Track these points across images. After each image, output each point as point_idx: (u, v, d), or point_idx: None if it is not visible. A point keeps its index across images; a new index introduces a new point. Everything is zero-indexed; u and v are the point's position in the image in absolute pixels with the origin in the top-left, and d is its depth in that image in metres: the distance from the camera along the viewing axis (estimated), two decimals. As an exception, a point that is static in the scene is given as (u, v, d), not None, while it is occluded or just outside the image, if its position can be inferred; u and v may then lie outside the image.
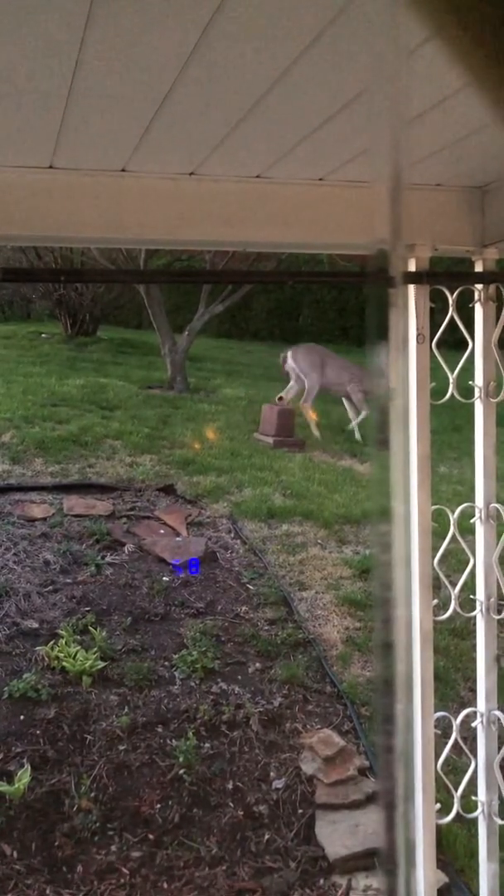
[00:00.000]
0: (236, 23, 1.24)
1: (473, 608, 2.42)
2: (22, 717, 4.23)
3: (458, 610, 2.42)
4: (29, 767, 3.88)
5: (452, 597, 2.39)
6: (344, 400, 10.47)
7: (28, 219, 1.92)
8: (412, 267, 2.20)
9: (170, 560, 5.85)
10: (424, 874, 2.30)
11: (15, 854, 3.55)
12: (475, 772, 2.46)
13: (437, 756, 2.31)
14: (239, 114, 1.59)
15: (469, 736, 2.52)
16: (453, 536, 2.42)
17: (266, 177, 2.01)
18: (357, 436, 9.92)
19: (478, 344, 2.37)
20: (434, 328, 2.25)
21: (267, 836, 3.75)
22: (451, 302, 2.32)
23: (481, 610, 2.41)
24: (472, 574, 2.43)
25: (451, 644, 5.08)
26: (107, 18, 1.21)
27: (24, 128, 1.66)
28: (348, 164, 1.93)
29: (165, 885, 3.47)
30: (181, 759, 4.03)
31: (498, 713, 2.41)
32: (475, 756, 2.47)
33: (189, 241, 2.37)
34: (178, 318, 14.34)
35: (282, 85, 1.45)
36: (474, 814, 2.46)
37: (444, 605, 2.41)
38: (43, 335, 15.84)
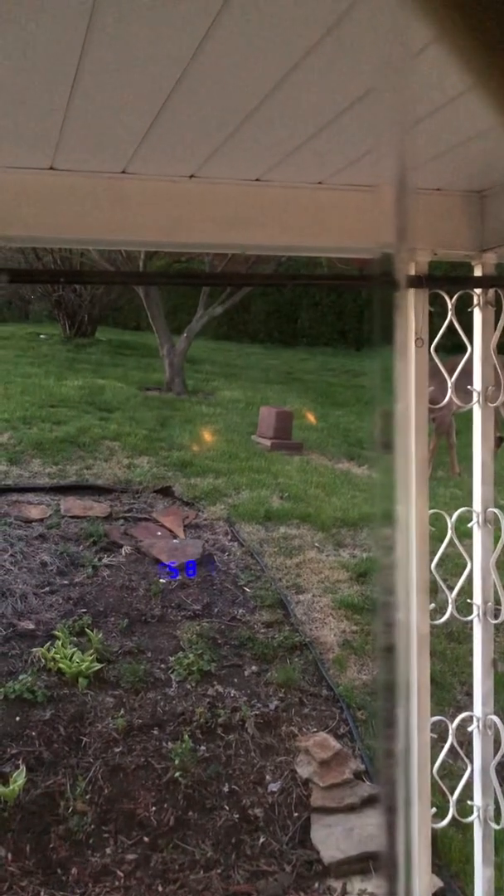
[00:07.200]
0: (239, 25, 1.24)
1: (470, 612, 2.42)
2: (17, 719, 4.22)
3: (455, 614, 2.41)
4: (24, 769, 3.87)
5: (449, 601, 2.39)
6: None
7: (28, 220, 1.92)
8: (412, 271, 2.20)
9: (166, 562, 5.84)
10: (420, 879, 2.30)
11: (9, 856, 3.54)
12: (471, 776, 2.46)
13: (433, 760, 2.30)
14: (240, 117, 1.59)
15: (465, 740, 2.51)
16: (451, 540, 2.42)
17: (266, 180, 2.01)
18: None
19: (476, 348, 2.37)
20: (432, 332, 2.25)
21: (262, 840, 3.74)
22: (450, 306, 2.33)
23: (478, 614, 2.40)
24: (470, 578, 2.43)
25: (448, 648, 5.08)
26: (108, 21, 1.21)
27: (25, 129, 1.66)
28: (348, 168, 1.93)
29: (160, 888, 3.46)
30: (177, 762, 4.02)
31: (494, 717, 2.41)
32: (471, 760, 2.46)
33: (189, 244, 2.36)
34: (177, 320, 14.35)
35: (283, 88, 1.45)
36: (470, 818, 2.45)
37: (440, 609, 2.41)
38: (41, 336, 15.84)
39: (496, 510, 2.39)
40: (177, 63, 1.35)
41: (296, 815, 3.87)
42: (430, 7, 0.38)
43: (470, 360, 2.38)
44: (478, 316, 2.35)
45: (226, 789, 3.98)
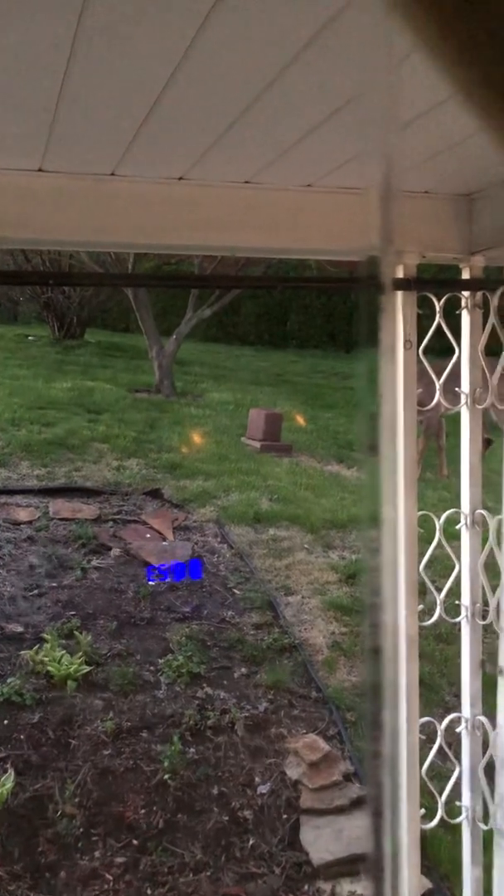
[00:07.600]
0: (227, 28, 1.24)
1: (458, 613, 2.43)
2: (6, 722, 4.20)
3: (444, 615, 2.42)
4: (12, 772, 3.85)
5: (438, 602, 2.40)
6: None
7: (17, 221, 1.91)
8: (400, 273, 2.20)
9: (155, 564, 5.84)
10: (409, 880, 2.30)
11: (-3, 860, 3.52)
12: (459, 777, 2.47)
13: (422, 761, 2.31)
14: (229, 119, 1.59)
15: (453, 741, 2.52)
16: (439, 542, 2.42)
17: (255, 182, 2.01)
18: None
19: (464, 351, 2.38)
20: (420, 335, 2.26)
21: (251, 842, 3.74)
22: (438, 309, 2.33)
23: (466, 615, 2.41)
24: (458, 579, 2.44)
25: (436, 649, 5.10)
26: (97, 23, 1.21)
27: (14, 131, 1.66)
28: (337, 171, 1.94)
29: (149, 891, 3.46)
30: (166, 765, 4.01)
31: (482, 718, 2.41)
32: (459, 761, 2.47)
33: (178, 246, 2.37)
34: (166, 322, 14.34)
35: (272, 91, 1.46)
36: (458, 819, 2.46)
37: (429, 611, 2.41)
38: (30, 338, 15.80)
39: (484, 512, 2.40)
40: (166, 65, 1.35)
41: (285, 816, 3.87)
42: (409, 16, 0.38)
43: (458, 362, 2.39)
44: (466, 318, 2.36)
45: (215, 791, 3.97)
